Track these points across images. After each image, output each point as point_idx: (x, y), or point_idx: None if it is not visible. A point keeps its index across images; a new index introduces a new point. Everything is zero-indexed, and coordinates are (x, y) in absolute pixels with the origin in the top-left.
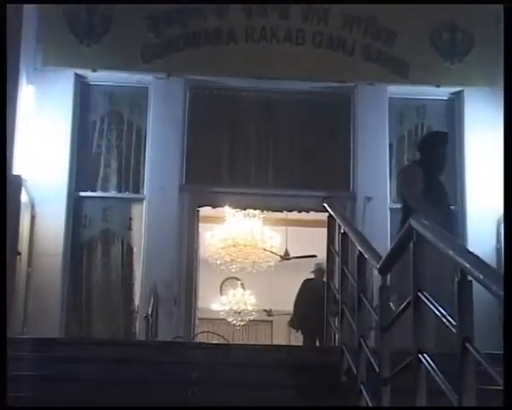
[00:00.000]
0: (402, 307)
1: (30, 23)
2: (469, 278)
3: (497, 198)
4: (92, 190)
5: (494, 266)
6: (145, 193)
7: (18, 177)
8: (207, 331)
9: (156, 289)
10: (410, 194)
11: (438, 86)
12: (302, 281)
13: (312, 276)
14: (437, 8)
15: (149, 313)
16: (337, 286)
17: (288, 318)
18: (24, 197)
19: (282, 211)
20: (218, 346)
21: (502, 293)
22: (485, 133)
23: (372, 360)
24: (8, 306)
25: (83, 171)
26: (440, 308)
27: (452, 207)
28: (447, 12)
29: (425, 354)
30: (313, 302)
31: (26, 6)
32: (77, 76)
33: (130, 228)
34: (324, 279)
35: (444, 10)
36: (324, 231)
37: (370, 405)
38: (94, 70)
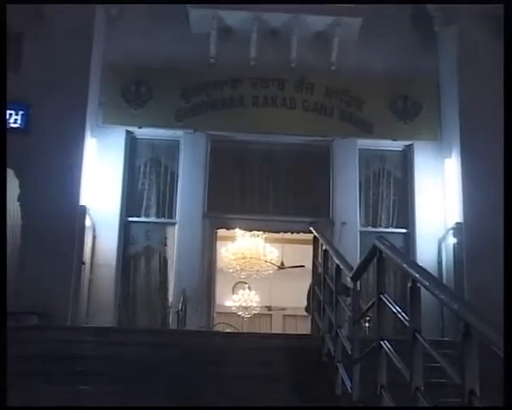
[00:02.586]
0: (368, 306)
1: (94, 92)
2: (418, 285)
3: (438, 224)
4: (138, 216)
5: (436, 276)
6: (177, 219)
7: (83, 207)
8: (223, 322)
9: (185, 290)
10: None
11: (394, 140)
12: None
13: None
14: (394, 84)
15: (180, 308)
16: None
17: (284, 312)
18: (88, 222)
19: (279, 232)
20: (231, 334)
21: (442, 297)
22: (429, 175)
23: (346, 345)
24: (75, 303)
25: (131, 202)
26: (397, 307)
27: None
28: (401, 87)
29: (385, 341)
30: None
31: (91, 80)
32: (127, 132)
33: (165, 245)
34: None
35: (399, 86)
36: (311, 247)
37: (345, 379)
38: (140, 127)
